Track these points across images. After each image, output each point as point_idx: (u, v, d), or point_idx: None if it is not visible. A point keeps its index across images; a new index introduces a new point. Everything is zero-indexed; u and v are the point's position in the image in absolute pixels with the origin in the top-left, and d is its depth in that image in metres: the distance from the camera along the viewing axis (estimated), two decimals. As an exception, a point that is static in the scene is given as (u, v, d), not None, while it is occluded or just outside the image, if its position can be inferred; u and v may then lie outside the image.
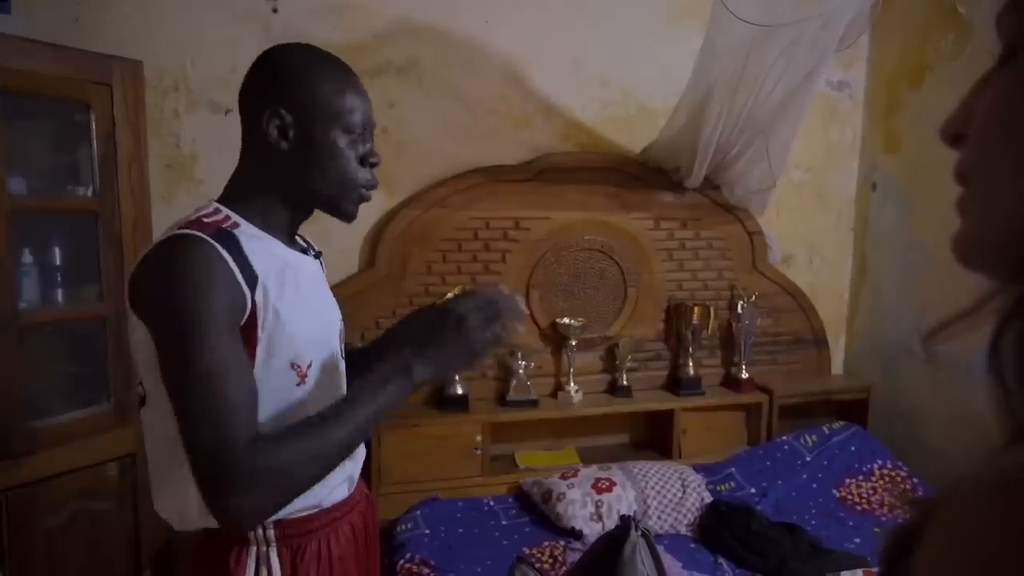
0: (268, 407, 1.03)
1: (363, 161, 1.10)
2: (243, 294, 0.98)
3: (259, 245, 1.05)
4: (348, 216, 1.13)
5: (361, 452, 1.25)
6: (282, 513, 1.08)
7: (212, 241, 0.97)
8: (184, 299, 0.94)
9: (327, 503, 1.15)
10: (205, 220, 1.03)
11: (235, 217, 1.07)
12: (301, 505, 1.10)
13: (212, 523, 1.06)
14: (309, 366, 1.08)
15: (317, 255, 1.22)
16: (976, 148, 0.41)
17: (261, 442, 0.93)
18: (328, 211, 1.13)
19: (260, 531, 1.09)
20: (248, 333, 1.01)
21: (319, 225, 1.32)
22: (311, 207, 1.14)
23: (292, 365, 1.06)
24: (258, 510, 0.95)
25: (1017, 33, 0.39)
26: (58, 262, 2.06)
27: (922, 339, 0.43)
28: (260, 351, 1.02)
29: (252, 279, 1.00)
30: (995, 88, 0.40)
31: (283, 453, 0.93)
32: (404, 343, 1.08)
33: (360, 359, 1.29)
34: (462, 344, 1.06)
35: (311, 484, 0.99)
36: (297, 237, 1.23)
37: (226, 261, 0.97)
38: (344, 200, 1.11)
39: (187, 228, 0.99)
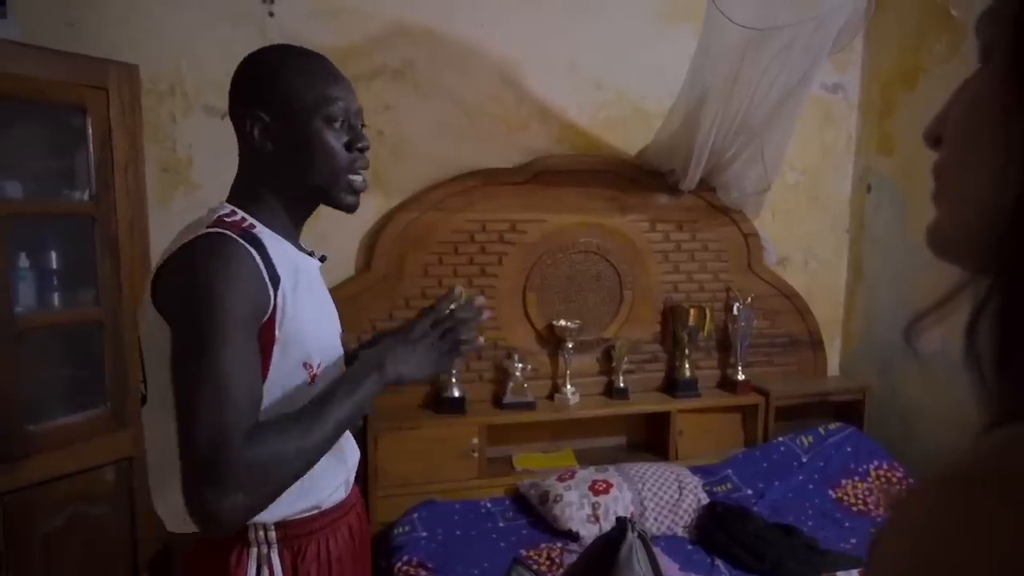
0: (281, 405, 1.05)
1: (349, 147, 1.11)
2: (268, 293, 1.01)
3: (276, 246, 1.07)
4: (348, 206, 1.14)
5: (356, 454, 1.27)
6: (283, 514, 1.10)
7: (240, 240, 0.99)
8: (208, 297, 0.95)
9: (326, 505, 1.16)
10: (226, 220, 1.05)
11: (251, 219, 1.09)
12: (301, 506, 1.12)
13: None
14: (319, 365, 1.11)
15: (322, 259, 1.23)
16: (948, 144, 0.43)
17: (249, 442, 0.93)
18: (327, 203, 1.14)
19: (261, 532, 1.09)
20: (267, 332, 1.02)
21: (316, 227, 1.33)
22: (309, 203, 1.16)
23: (304, 364, 1.08)
24: (246, 509, 0.94)
25: (991, 39, 0.41)
26: (54, 266, 2.06)
27: (902, 332, 0.44)
28: (276, 350, 1.04)
29: (276, 279, 1.02)
30: (969, 88, 0.42)
31: (269, 452, 0.94)
32: (380, 348, 1.12)
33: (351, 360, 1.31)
34: (426, 353, 1.12)
35: (293, 482, 1.00)
36: None
37: (255, 259, 1.00)
38: (338, 189, 1.11)
39: (214, 227, 1.01)
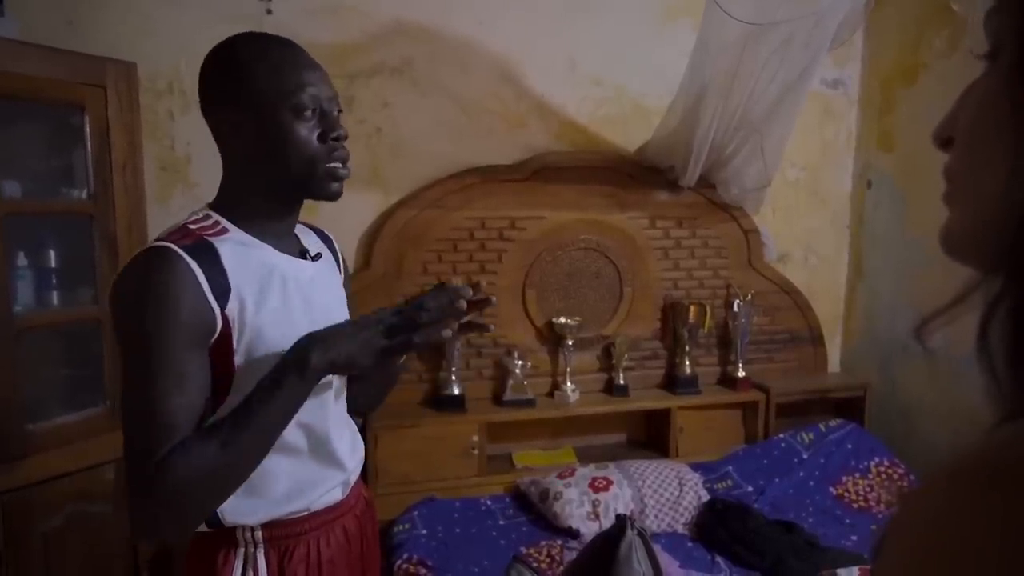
0: None
1: (323, 138, 1.04)
2: (211, 309, 0.97)
3: (243, 253, 1.03)
4: (329, 195, 1.08)
5: (359, 456, 1.24)
6: (271, 515, 1.09)
7: (183, 254, 0.96)
8: (140, 318, 0.95)
9: (317, 506, 1.14)
10: (191, 227, 1.02)
11: (225, 223, 1.05)
12: (290, 508, 1.10)
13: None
14: None
15: (316, 257, 1.18)
16: (959, 145, 0.43)
17: (170, 459, 0.92)
18: (308, 196, 1.09)
19: (248, 532, 1.08)
20: (222, 346, 1.00)
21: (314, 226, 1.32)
22: (291, 199, 1.10)
23: None
24: (176, 523, 0.97)
25: (1000, 34, 0.40)
26: (53, 264, 2.06)
27: (913, 330, 0.44)
28: (239, 361, 1.02)
29: (224, 292, 0.99)
30: (979, 88, 0.41)
31: (190, 468, 0.92)
32: (308, 337, 1.02)
33: None
34: (367, 342, 1.01)
35: (229, 490, 0.99)
36: (303, 233, 1.20)
37: (194, 275, 0.96)
38: (314, 181, 1.06)
39: (166, 239, 0.98)
